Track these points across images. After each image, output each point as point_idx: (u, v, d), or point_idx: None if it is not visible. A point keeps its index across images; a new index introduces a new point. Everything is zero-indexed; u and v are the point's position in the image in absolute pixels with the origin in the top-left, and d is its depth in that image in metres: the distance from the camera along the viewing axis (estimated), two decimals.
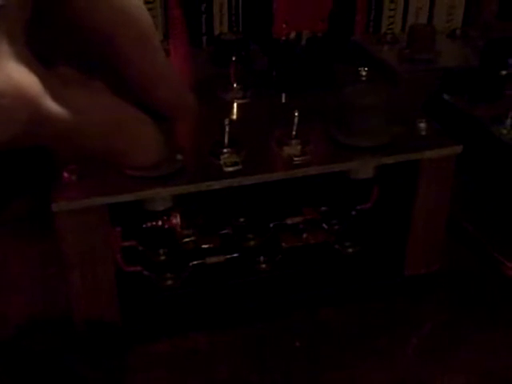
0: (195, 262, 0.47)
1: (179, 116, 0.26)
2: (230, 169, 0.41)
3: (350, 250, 0.49)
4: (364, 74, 0.54)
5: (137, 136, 0.23)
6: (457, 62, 0.67)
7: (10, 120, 0.19)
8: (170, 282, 0.46)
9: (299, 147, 0.43)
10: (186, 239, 0.48)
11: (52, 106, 0.20)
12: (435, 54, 0.66)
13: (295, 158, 0.42)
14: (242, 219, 0.51)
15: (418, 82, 0.64)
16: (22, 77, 0.19)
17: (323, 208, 0.51)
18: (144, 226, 0.47)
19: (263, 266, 0.48)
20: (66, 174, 0.39)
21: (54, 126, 0.20)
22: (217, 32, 0.73)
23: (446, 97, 0.65)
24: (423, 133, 0.45)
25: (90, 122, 0.21)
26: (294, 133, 0.43)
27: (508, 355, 0.44)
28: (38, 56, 0.20)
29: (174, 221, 0.48)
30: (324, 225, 0.50)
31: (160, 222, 0.47)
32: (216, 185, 0.40)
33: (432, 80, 0.66)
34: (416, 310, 0.47)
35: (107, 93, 0.23)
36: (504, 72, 0.61)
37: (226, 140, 0.42)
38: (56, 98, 0.20)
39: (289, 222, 0.49)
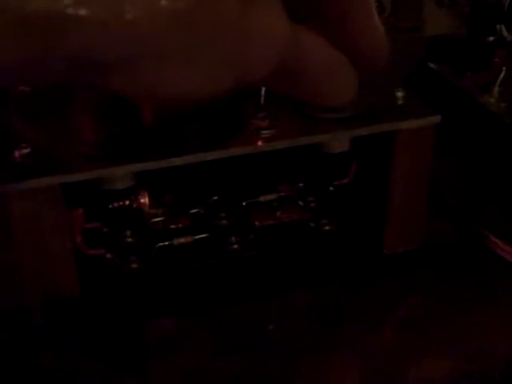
0: (161, 244, 0.44)
1: (372, 67, 0.27)
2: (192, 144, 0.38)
3: (327, 228, 0.47)
4: None
5: (344, 78, 0.25)
6: (443, 30, 0.64)
7: (267, 55, 0.21)
8: (134, 266, 0.43)
9: (267, 120, 0.40)
10: (155, 219, 0.46)
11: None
12: (421, 22, 0.63)
13: (263, 132, 0.40)
14: (215, 197, 0.48)
15: (404, 51, 0.61)
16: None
17: (300, 184, 0.49)
18: (110, 206, 0.45)
19: (235, 246, 0.45)
20: (16, 154, 0.37)
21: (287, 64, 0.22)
22: None
23: (432, 66, 0.62)
24: (400, 102, 0.43)
25: (312, 62, 0.23)
26: (261, 104, 0.40)
27: (494, 334, 0.42)
28: None
29: (142, 200, 0.45)
30: (300, 202, 0.48)
31: (127, 202, 0.45)
32: (177, 161, 0.38)
33: (418, 49, 0.63)
34: (396, 290, 0.45)
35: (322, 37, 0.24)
36: (491, 38, 0.58)
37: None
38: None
39: (262, 199, 0.47)
